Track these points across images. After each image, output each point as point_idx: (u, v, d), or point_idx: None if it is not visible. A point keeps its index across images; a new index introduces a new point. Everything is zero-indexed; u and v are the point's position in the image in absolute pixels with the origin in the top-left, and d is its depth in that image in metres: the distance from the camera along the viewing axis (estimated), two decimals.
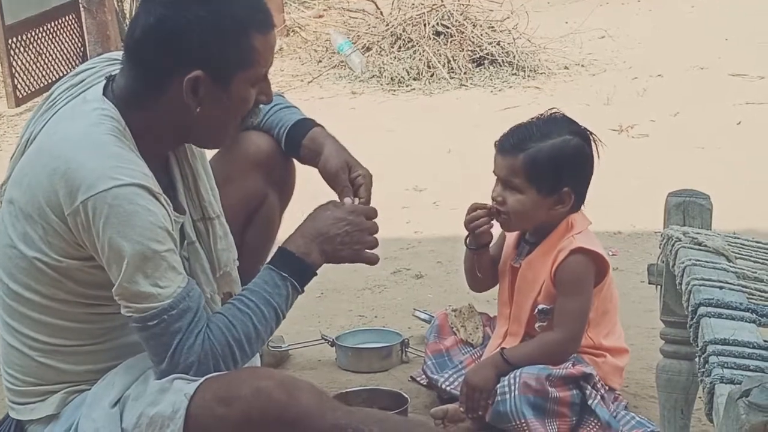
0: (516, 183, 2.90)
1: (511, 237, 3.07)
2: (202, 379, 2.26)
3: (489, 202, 2.98)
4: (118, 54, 2.48)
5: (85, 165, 2.19)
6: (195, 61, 2.24)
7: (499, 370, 2.89)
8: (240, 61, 2.28)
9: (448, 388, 3.05)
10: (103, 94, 2.32)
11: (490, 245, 3.09)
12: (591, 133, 2.96)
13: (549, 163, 2.87)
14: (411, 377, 3.28)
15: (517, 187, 2.90)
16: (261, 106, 2.42)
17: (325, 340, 3.48)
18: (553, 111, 3.01)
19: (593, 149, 2.95)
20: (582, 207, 2.99)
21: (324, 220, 2.49)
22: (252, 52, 2.28)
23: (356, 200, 2.73)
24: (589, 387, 2.87)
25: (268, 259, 3.04)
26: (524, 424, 2.82)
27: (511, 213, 2.91)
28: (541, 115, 3.00)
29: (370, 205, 2.64)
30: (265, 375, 2.28)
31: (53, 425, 2.38)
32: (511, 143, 2.91)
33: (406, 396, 3.06)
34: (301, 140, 2.87)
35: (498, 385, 2.86)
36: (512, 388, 2.83)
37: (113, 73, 2.38)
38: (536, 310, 2.95)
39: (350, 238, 2.49)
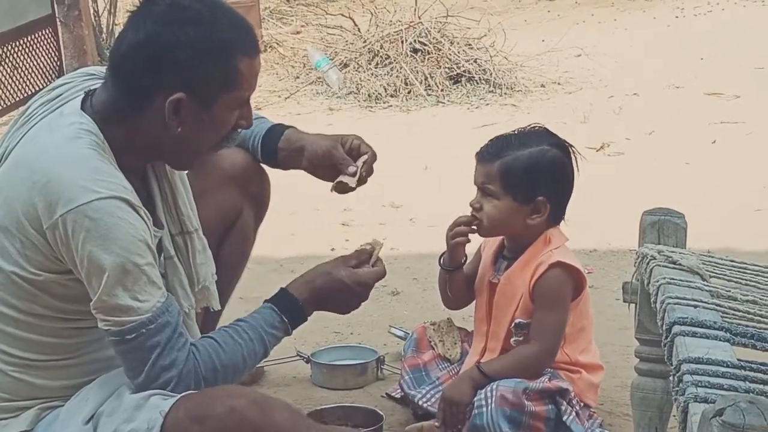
0: (492, 189, 2.92)
1: (489, 254, 3.07)
2: (178, 396, 2.25)
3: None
4: (96, 69, 2.48)
5: (65, 178, 2.19)
6: (180, 80, 2.24)
7: (476, 383, 2.89)
8: (224, 83, 2.28)
9: (424, 405, 3.04)
10: (81, 108, 2.31)
11: (465, 264, 3.10)
12: (571, 147, 2.98)
13: (524, 171, 2.90)
14: (386, 393, 3.27)
15: (493, 193, 2.92)
16: (240, 131, 2.42)
17: (300, 356, 3.47)
18: (535, 125, 3.03)
19: (572, 163, 2.96)
20: (561, 222, 3.00)
21: (335, 282, 2.54)
22: (237, 75, 2.28)
23: (361, 160, 2.76)
24: (564, 403, 2.87)
25: (243, 272, 3.06)
26: None
27: (486, 219, 2.93)
28: (524, 128, 3.03)
29: (382, 269, 2.62)
30: (238, 393, 2.27)
31: None
32: (490, 152, 2.95)
33: (382, 413, 3.05)
34: (276, 144, 2.87)
35: (475, 398, 2.86)
36: (489, 401, 2.83)
37: (92, 88, 2.37)
38: (513, 324, 2.95)
39: (349, 306, 2.59)
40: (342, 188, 2.80)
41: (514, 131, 3.01)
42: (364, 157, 2.79)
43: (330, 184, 2.82)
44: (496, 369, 2.91)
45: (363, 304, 2.60)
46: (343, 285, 2.53)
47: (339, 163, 2.79)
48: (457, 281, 3.10)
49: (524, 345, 2.94)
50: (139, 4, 2.31)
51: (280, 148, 2.87)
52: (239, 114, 2.35)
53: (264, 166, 2.96)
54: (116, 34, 8.23)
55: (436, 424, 2.92)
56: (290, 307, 2.48)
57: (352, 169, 2.77)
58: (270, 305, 2.48)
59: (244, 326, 2.42)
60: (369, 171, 2.82)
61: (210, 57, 2.25)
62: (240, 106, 2.34)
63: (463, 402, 2.88)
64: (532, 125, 3.04)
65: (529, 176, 2.90)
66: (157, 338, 2.24)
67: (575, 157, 2.98)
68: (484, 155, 2.96)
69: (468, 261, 3.12)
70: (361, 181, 2.81)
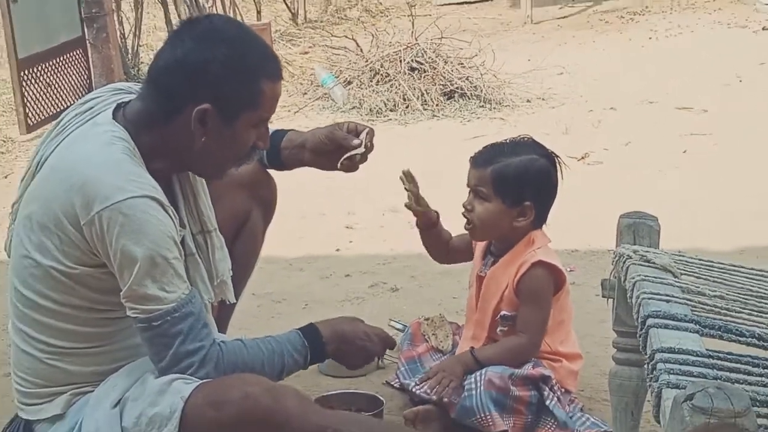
0: (484, 192, 2.93)
1: (479, 249, 3.09)
2: (198, 382, 2.26)
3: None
4: (123, 84, 2.50)
5: (101, 179, 2.20)
6: (209, 93, 2.26)
7: (467, 367, 2.91)
8: (248, 102, 2.29)
9: (419, 392, 3.05)
10: (113, 118, 2.33)
11: (454, 237, 3.17)
12: (557, 157, 2.99)
13: (514, 177, 2.91)
14: (386, 381, 3.28)
15: (485, 196, 2.93)
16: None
17: None
18: (525, 136, 3.04)
19: (557, 172, 2.97)
20: (543, 226, 3.00)
21: (357, 330, 2.62)
22: (260, 95, 2.30)
23: (363, 133, 2.74)
24: (546, 389, 2.88)
25: (255, 269, 3.06)
26: (489, 418, 2.82)
27: (477, 220, 2.95)
28: (514, 138, 3.03)
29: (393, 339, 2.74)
30: (253, 381, 2.28)
31: (59, 424, 2.37)
32: (484, 158, 2.97)
33: (382, 399, 3.05)
34: (279, 145, 2.87)
35: (465, 382, 2.87)
36: (478, 384, 2.84)
37: (124, 100, 2.39)
38: (498, 316, 2.97)
39: (363, 353, 2.64)
40: (350, 164, 2.77)
41: (505, 140, 3.03)
42: (366, 130, 2.77)
43: (332, 176, 2.81)
44: (487, 356, 2.93)
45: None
46: (363, 333, 2.61)
47: (342, 139, 2.77)
48: (433, 240, 3.17)
49: (513, 336, 2.95)
50: (180, 25, 2.38)
51: (283, 147, 2.87)
52: (257, 134, 2.36)
53: (271, 171, 2.97)
54: (140, 55, 8.27)
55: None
56: (313, 338, 2.52)
57: (356, 141, 2.74)
58: (297, 331, 2.52)
59: (271, 340, 2.45)
60: (371, 144, 2.79)
61: (238, 75, 2.27)
62: (258, 125, 2.35)
63: (454, 376, 2.89)
64: (522, 136, 3.05)
65: (519, 182, 2.91)
66: (181, 326, 2.25)
67: (560, 167, 2.98)
68: (478, 161, 2.97)
69: (459, 238, 3.16)
70: (366, 154, 2.77)
